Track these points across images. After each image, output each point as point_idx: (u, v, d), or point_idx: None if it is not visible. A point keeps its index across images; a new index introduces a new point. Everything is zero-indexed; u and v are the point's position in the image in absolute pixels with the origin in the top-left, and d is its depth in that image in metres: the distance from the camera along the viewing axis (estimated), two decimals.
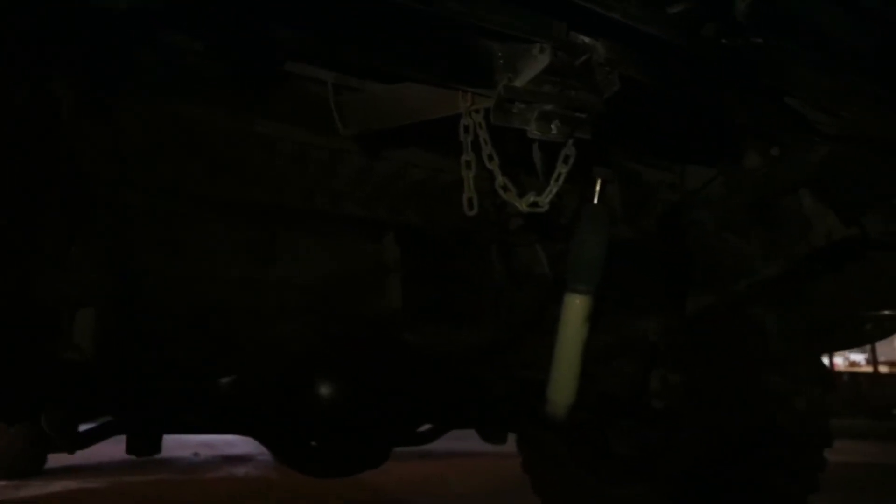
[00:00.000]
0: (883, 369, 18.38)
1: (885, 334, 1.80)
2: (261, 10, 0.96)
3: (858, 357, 19.74)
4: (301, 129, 1.64)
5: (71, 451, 1.68)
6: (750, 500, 1.98)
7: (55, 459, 4.32)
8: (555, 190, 1.19)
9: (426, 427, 1.97)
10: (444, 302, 2.05)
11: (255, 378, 1.78)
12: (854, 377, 15.94)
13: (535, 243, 2.16)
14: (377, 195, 1.92)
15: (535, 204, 1.20)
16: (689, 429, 1.95)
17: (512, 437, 2.65)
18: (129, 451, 1.60)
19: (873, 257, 1.72)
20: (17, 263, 1.47)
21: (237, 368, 1.77)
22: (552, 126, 1.12)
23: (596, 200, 1.75)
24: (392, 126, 1.33)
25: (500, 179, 1.20)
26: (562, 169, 1.19)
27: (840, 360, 18.64)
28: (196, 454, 5.85)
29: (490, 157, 1.20)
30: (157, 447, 1.64)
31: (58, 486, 3.95)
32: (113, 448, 1.99)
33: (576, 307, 1.71)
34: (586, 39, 1.14)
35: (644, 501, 2.19)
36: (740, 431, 1.92)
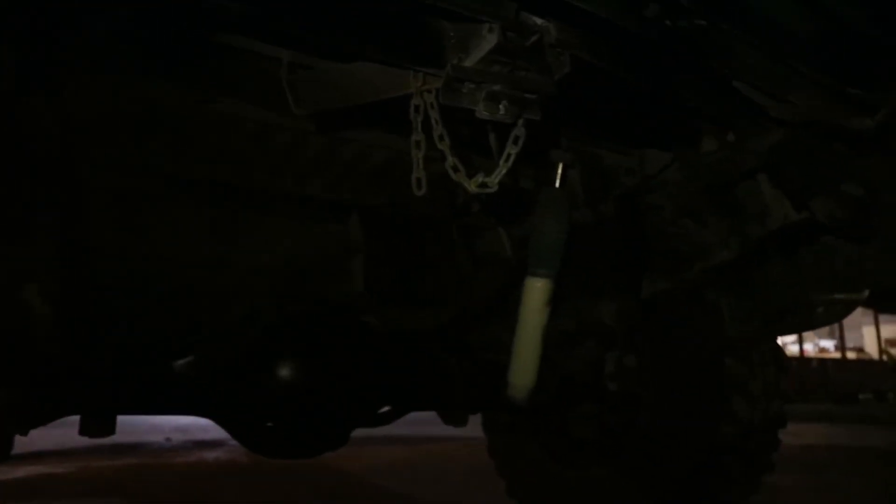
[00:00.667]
0: (851, 355, 18.82)
1: (835, 318, 1.83)
2: None
3: (828, 343, 20.17)
4: (262, 109, 1.63)
5: (23, 433, 1.66)
6: (706, 481, 2.02)
7: (23, 445, 4.26)
8: (504, 170, 1.20)
9: (386, 409, 1.97)
10: (406, 284, 2.05)
11: (214, 359, 1.77)
12: (823, 363, 16.30)
13: (498, 227, 2.17)
14: (342, 176, 1.92)
15: (484, 185, 1.20)
16: (646, 411, 1.98)
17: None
18: (81, 432, 1.59)
19: (824, 243, 1.75)
20: None
21: (196, 349, 1.76)
22: (500, 106, 1.12)
23: (557, 184, 1.76)
24: (345, 105, 1.32)
25: (451, 160, 1.20)
26: (511, 149, 1.19)
27: (810, 346, 19.03)
28: (168, 439, 5.82)
29: (441, 138, 1.20)
30: (111, 428, 1.63)
31: (22, 471, 3.90)
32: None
33: (536, 291, 1.72)
34: (538, 20, 1.14)
35: (606, 485, 2.23)
36: (697, 414, 1.95)
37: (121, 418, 1.72)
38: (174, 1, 1.09)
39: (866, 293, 1.79)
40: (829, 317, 1.82)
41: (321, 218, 2.01)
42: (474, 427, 2.57)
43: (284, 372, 1.77)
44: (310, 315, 1.87)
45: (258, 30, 1.19)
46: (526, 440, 2.44)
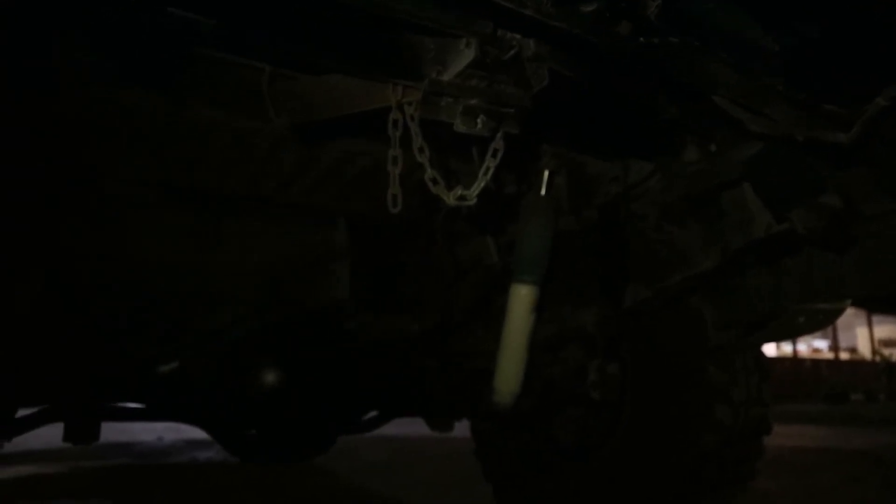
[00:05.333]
0: (844, 356, 18.89)
1: (817, 327, 1.84)
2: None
3: (822, 344, 20.24)
4: (243, 117, 1.63)
5: (8, 439, 1.67)
6: (688, 490, 2.03)
7: (11, 444, 4.25)
8: (483, 183, 1.20)
9: (372, 414, 1.98)
10: (391, 290, 2.06)
11: (198, 364, 1.78)
12: (816, 363, 16.36)
13: (484, 233, 2.17)
14: (324, 182, 1.92)
15: (462, 197, 1.21)
16: (627, 419, 1.99)
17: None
18: (65, 438, 1.59)
19: (806, 252, 1.76)
20: None
21: (179, 354, 1.77)
22: (478, 121, 1.13)
23: (542, 191, 1.77)
24: (324, 117, 1.33)
25: (430, 172, 1.20)
26: (490, 163, 1.20)
27: (803, 347, 19.08)
28: (160, 438, 5.81)
29: (421, 150, 1.21)
30: (94, 435, 1.63)
31: (12, 471, 3.90)
32: None
33: (522, 297, 1.73)
34: (515, 35, 1.14)
35: (590, 491, 2.24)
36: (679, 422, 1.96)
37: None
38: (150, 15, 1.09)
39: (848, 303, 1.81)
40: (810, 325, 1.83)
41: (306, 223, 2.02)
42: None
43: (268, 378, 1.78)
44: (294, 321, 1.88)
45: (233, 44, 1.19)
46: (512, 445, 2.45)
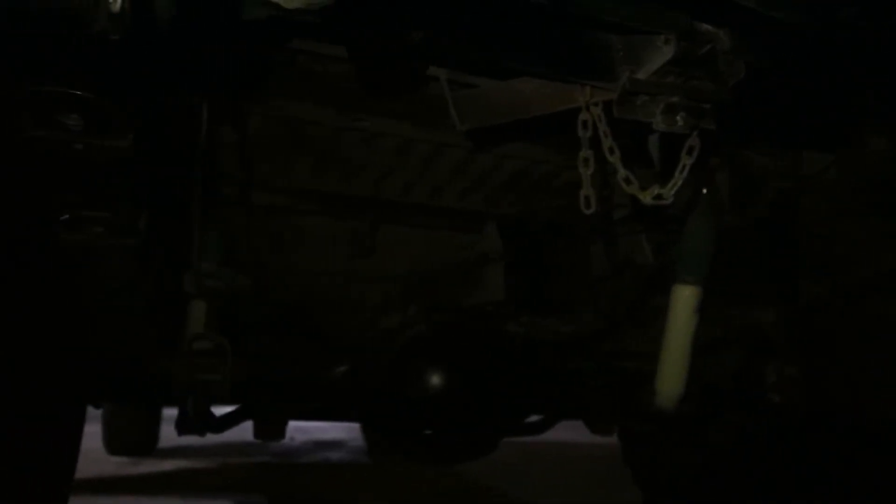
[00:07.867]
0: None
1: None
2: (399, 14, 1.00)
3: None
4: (406, 124, 1.68)
5: (202, 434, 1.80)
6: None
7: (165, 440, 4.60)
8: (679, 182, 1.19)
9: (536, 418, 1.99)
10: (546, 292, 2.06)
11: (367, 367, 1.85)
12: None
13: (637, 232, 2.13)
14: (476, 187, 1.95)
15: (659, 196, 1.19)
16: (806, 422, 1.89)
17: None
18: (256, 435, 1.71)
19: None
20: (154, 260, 1.59)
21: (347, 358, 1.85)
22: (678, 118, 1.11)
23: (705, 189, 1.72)
24: (508, 121, 1.35)
25: (622, 172, 1.20)
26: (686, 160, 1.18)
27: None
28: (292, 438, 6.10)
29: (611, 150, 1.20)
30: (282, 433, 1.74)
31: (170, 464, 4.22)
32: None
33: (685, 298, 1.69)
34: (710, 28, 1.12)
35: (750, 497, 2.15)
36: (859, 430, 1.85)
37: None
38: (362, 35, 1.15)
39: None
40: None
41: (459, 228, 2.05)
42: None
43: (435, 380, 1.83)
44: (456, 324, 1.91)
45: (435, 55, 1.23)
46: (665, 449, 2.39)
